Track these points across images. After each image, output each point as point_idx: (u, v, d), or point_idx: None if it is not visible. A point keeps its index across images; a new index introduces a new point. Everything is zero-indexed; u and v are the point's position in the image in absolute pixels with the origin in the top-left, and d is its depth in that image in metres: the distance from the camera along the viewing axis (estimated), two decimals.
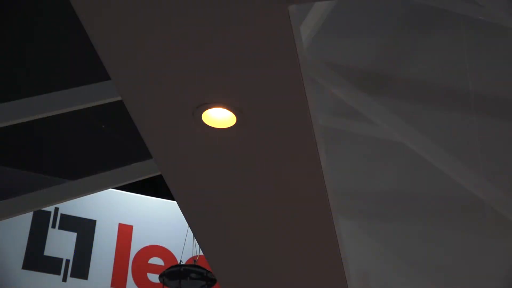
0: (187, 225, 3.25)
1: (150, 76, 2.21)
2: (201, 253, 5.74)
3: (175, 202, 2.97)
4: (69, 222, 7.21)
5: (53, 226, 7.11)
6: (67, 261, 7.00)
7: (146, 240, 7.54)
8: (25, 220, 6.90)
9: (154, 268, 7.37)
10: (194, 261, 6.37)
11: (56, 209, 7.19)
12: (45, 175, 4.24)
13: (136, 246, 7.46)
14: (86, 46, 2.36)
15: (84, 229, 7.25)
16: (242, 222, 3.01)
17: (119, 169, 4.27)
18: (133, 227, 7.54)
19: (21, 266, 6.72)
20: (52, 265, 6.91)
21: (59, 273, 6.90)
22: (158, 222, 7.70)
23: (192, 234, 4.59)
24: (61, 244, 7.06)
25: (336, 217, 2.93)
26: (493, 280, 3.29)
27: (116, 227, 7.44)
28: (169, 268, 5.80)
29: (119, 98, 3.47)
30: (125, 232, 7.46)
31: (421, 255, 3.61)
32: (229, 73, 2.17)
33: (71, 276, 6.95)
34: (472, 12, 2.82)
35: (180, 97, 2.28)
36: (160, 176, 3.15)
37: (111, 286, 7.07)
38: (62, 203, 6.89)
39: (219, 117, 2.35)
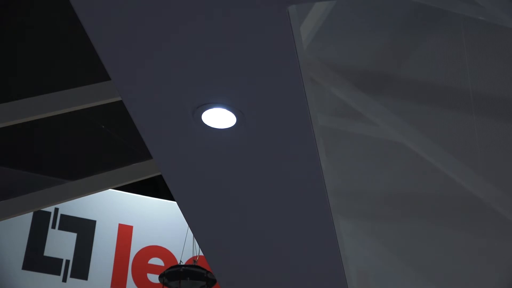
0: (187, 225, 3.25)
1: (150, 77, 2.21)
2: (201, 253, 5.74)
3: (175, 202, 2.97)
4: (69, 223, 7.20)
5: (53, 227, 7.10)
6: (67, 261, 6.99)
7: (146, 241, 7.53)
8: (25, 220, 6.90)
9: (154, 269, 7.36)
10: (194, 261, 6.36)
11: (56, 210, 7.18)
12: (45, 175, 4.24)
13: (136, 246, 7.45)
14: (86, 46, 2.36)
15: (84, 229, 7.24)
16: (242, 222, 3.01)
17: (119, 169, 4.27)
18: (133, 228, 7.54)
19: (21, 267, 6.72)
20: (52, 266, 6.90)
21: (59, 274, 6.90)
22: (158, 222, 7.69)
23: (192, 234, 4.59)
24: (61, 244, 7.05)
25: (336, 217, 2.93)
26: (493, 280, 3.29)
27: (116, 227, 7.44)
28: (169, 268, 5.79)
29: (119, 98, 3.47)
30: (125, 233, 7.46)
31: (421, 255, 3.60)
32: (229, 73, 2.17)
33: (71, 276, 6.94)
34: (472, 12, 2.82)
35: (180, 97, 2.28)
36: (160, 176, 3.16)
37: (111, 287, 7.07)
38: (62, 203, 6.88)
39: (219, 117, 2.35)
